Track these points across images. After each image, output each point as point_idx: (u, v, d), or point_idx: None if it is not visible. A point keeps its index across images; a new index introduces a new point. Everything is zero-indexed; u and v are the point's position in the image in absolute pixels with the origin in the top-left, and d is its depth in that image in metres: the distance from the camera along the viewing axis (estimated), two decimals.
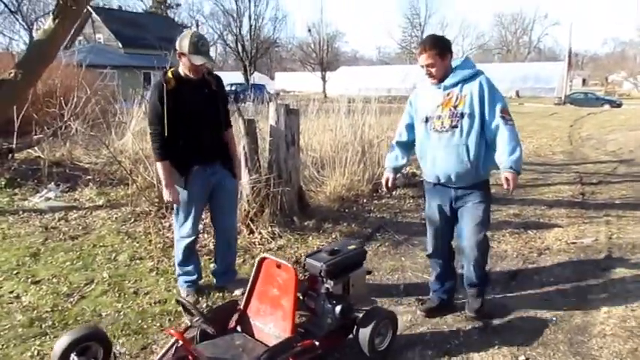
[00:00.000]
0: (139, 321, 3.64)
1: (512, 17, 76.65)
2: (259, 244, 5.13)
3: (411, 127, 3.64)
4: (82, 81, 9.55)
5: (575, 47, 77.46)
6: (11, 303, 3.91)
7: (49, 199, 6.63)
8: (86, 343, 2.74)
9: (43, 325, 3.57)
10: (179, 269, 4.05)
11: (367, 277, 3.56)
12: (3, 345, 3.33)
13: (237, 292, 3.94)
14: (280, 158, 5.49)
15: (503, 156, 3.25)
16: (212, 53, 3.85)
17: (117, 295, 4.06)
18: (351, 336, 3.16)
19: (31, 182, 7.25)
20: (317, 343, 2.92)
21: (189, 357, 2.71)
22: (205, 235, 5.11)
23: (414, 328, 3.59)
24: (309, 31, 53.62)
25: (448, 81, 3.37)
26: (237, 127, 5.03)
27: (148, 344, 3.33)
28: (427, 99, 3.49)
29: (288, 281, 2.92)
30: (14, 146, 7.94)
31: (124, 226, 5.63)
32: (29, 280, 4.32)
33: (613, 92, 54.87)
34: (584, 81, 75.80)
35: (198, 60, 3.57)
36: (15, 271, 4.49)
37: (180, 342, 2.73)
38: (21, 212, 6.12)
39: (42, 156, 8.01)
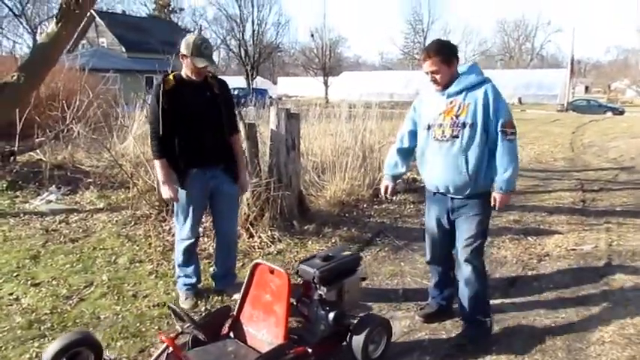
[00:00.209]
0: (138, 324, 3.64)
1: (515, 24, 76.67)
2: (259, 248, 5.14)
3: (412, 134, 3.57)
4: (85, 85, 9.57)
5: (578, 54, 77.47)
6: (10, 305, 3.91)
7: (50, 201, 6.65)
8: (76, 349, 2.71)
9: (42, 328, 3.57)
10: (179, 271, 4.05)
11: (362, 283, 3.54)
12: (1, 347, 3.33)
13: (236, 295, 3.91)
14: (280, 162, 5.50)
15: (495, 174, 3.22)
16: (215, 58, 3.86)
17: (116, 297, 4.07)
18: (344, 343, 3.13)
19: (32, 185, 7.26)
20: (310, 350, 2.91)
21: None
22: (205, 239, 5.11)
23: (412, 334, 3.58)
24: (312, 36, 53.76)
25: (452, 88, 3.26)
26: None
27: (145, 347, 3.33)
28: (430, 106, 3.40)
29: (281, 287, 2.90)
30: (16, 149, 7.96)
31: (124, 229, 5.64)
32: (29, 282, 4.32)
33: (615, 100, 54.84)
34: (586, 88, 75.79)
35: (201, 62, 3.58)
36: (15, 274, 4.49)
37: (171, 348, 2.72)
38: (22, 215, 6.13)
39: (44, 159, 8.03)
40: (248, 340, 3.02)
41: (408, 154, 3.66)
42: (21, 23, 44.47)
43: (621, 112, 38.07)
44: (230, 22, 49.83)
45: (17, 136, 7.76)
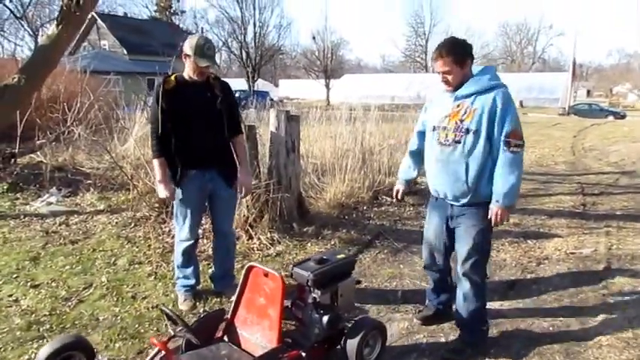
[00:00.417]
0: (136, 325, 3.65)
1: (517, 27, 76.69)
2: (258, 250, 5.14)
3: (422, 135, 3.46)
4: (86, 87, 9.59)
5: (580, 58, 77.26)
6: (10, 306, 3.92)
7: (50, 203, 6.66)
8: (68, 353, 2.71)
9: (41, 329, 3.58)
10: (177, 272, 4.06)
11: (358, 286, 3.52)
12: (1, 348, 3.34)
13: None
14: (280, 164, 5.51)
15: (495, 186, 3.07)
16: (217, 59, 3.88)
17: (115, 299, 4.08)
18: (339, 347, 3.12)
19: (33, 187, 7.27)
20: (304, 353, 2.90)
21: None
22: (205, 241, 5.12)
23: (410, 336, 3.59)
24: (314, 38, 53.82)
25: (461, 91, 3.11)
26: None
27: (144, 349, 3.33)
28: (439, 107, 3.27)
29: (275, 290, 2.89)
30: (17, 151, 7.97)
31: (123, 231, 5.65)
32: (28, 283, 4.33)
33: (617, 104, 54.83)
34: (588, 92, 75.76)
35: (203, 62, 3.60)
36: (14, 275, 4.50)
37: (163, 352, 2.71)
38: (22, 217, 6.14)
39: (44, 161, 8.04)
40: (242, 343, 3.01)
41: (418, 156, 3.57)
42: (22, 26, 44.44)
43: (623, 116, 38.04)
44: (232, 25, 49.95)
45: (18, 138, 7.76)
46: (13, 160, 7.97)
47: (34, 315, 3.78)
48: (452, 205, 3.28)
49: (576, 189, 8.79)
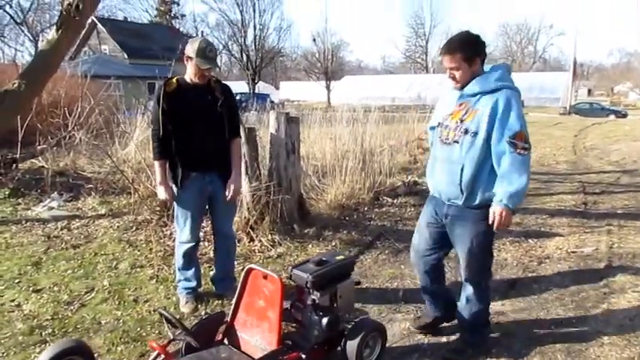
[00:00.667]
0: (138, 328, 3.66)
1: (518, 27, 76.77)
2: (259, 252, 5.15)
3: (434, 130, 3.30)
4: (87, 91, 9.62)
5: (581, 58, 76.98)
6: (12, 311, 3.93)
7: (52, 208, 6.67)
8: (69, 357, 2.70)
9: (43, 333, 3.59)
10: (179, 275, 4.07)
11: (357, 286, 3.49)
12: (3, 353, 3.35)
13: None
14: (280, 166, 5.52)
15: (498, 186, 2.90)
16: (218, 62, 3.90)
17: (117, 302, 4.08)
18: (339, 348, 3.12)
19: (34, 192, 7.29)
20: (303, 355, 2.90)
21: None
22: (206, 243, 5.13)
23: (411, 337, 3.59)
24: (314, 40, 53.74)
25: (466, 90, 3.00)
26: None
27: (146, 352, 3.33)
28: (445, 103, 3.18)
29: (274, 292, 2.89)
30: (18, 156, 8.00)
31: (125, 235, 5.66)
32: (30, 288, 4.34)
33: (618, 103, 54.76)
34: (589, 91, 75.71)
35: (205, 65, 3.62)
36: (17, 280, 4.51)
37: (163, 355, 2.71)
38: (24, 222, 6.15)
39: (45, 166, 8.06)
40: (242, 346, 3.01)
41: None
42: (22, 31, 44.66)
43: (624, 115, 38.00)
44: (232, 28, 50.03)
45: (19, 144, 7.80)
46: (14, 165, 8.00)
47: (36, 320, 3.78)
48: (448, 205, 3.14)
49: (577, 188, 8.78)
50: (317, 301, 3.07)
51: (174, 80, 3.73)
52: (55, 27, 6.53)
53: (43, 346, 3.40)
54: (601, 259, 5.07)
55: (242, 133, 5.23)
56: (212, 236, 4.42)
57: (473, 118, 2.92)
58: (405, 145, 10.75)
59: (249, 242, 5.29)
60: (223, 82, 4.00)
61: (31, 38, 44.92)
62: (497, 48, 76.77)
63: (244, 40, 49.48)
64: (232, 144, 3.96)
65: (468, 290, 3.29)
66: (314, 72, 55.39)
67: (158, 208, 5.94)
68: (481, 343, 3.39)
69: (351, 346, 3.01)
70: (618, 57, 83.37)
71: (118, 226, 5.94)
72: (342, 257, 3.32)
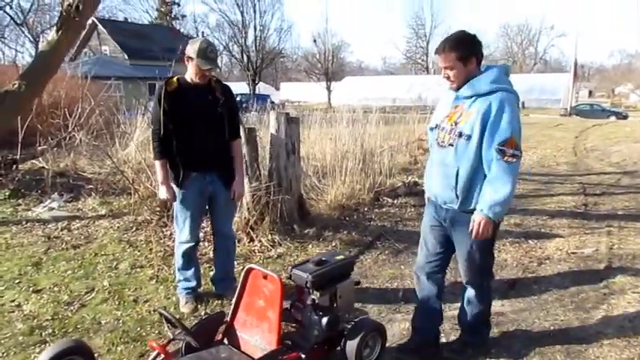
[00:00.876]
0: (138, 329, 3.66)
1: (518, 28, 76.73)
2: (259, 252, 5.16)
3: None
4: (87, 92, 9.63)
5: (582, 59, 77.03)
6: (12, 312, 3.94)
7: (52, 209, 6.67)
8: (69, 357, 2.70)
9: (44, 334, 3.60)
10: (178, 275, 4.07)
11: (357, 286, 3.49)
12: (3, 353, 3.35)
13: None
14: (280, 166, 5.52)
15: (482, 195, 2.83)
16: (219, 63, 3.91)
17: (117, 303, 4.09)
18: (339, 348, 3.11)
19: (34, 193, 7.29)
20: (303, 355, 2.90)
21: None
22: (206, 243, 5.13)
23: None
24: (315, 41, 53.77)
25: (462, 91, 2.91)
26: None
27: (145, 352, 3.34)
28: (442, 105, 3.11)
29: (274, 292, 2.89)
30: (18, 157, 8.00)
31: (125, 235, 5.67)
32: (31, 289, 4.34)
33: (619, 104, 54.77)
34: (590, 92, 75.66)
35: (205, 65, 3.63)
36: (17, 281, 4.52)
37: (163, 355, 2.71)
38: (24, 222, 6.15)
39: (46, 166, 8.06)
40: (241, 346, 3.01)
41: None
42: (23, 32, 44.62)
43: (625, 117, 37.98)
44: (232, 29, 50.05)
45: (19, 144, 7.80)
46: (14, 166, 8.00)
47: (36, 320, 3.79)
48: (446, 209, 3.06)
49: (578, 189, 8.77)
50: (317, 301, 3.07)
51: (175, 80, 3.74)
52: (55, 28, 6.55)
53: (43, 346, 3.41)
54: (601, 260, 5.07)
55: (242, 134, 5.24)
56: (212, 236, 4.43)
57: (467, 121, 2.84)
58: (405, 146, 10.75)
59: (249, 242, 5.29)
60: (224, 82, 4.01)
61: (32, 39, 44.92)
62: (497, 49, 76.98)
63: (245, 40, 49.57)
64: (233, 145, 3.97)
65: (470, 291, 3.28)
66: (314, 73, 55.42)
67: (158, 209, 5.95)
68: (481, 343, 3.39)
69: (351, 346, 3.01)
70: (619, 58, 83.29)
71: (118, 227, 5.94)
72: (341, 257, 3.33)
